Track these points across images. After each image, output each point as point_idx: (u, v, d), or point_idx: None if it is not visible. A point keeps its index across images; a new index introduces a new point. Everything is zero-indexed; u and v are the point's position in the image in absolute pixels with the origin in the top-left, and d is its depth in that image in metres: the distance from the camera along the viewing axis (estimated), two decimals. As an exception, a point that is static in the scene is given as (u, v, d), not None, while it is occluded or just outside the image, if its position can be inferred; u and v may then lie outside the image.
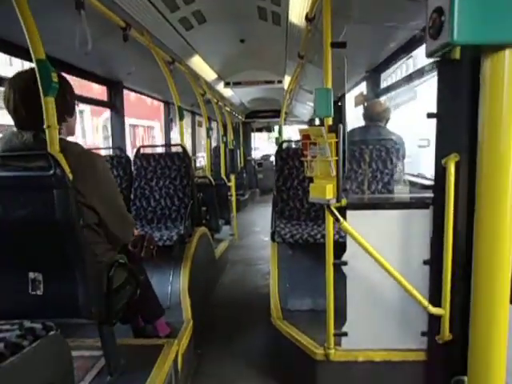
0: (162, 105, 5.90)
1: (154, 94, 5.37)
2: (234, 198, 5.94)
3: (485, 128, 0.84)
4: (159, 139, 13.40)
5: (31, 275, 1.40)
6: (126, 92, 4.16)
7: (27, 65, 1.98)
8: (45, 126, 1.35)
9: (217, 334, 2.84)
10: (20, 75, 1.46)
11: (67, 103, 1.52)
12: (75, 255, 1.40)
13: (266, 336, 2.65)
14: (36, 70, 1.34)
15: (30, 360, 0.96)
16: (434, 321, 1.67)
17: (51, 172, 1.32)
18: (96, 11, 2.09)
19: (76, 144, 1.50)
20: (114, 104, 3.99)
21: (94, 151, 1.59)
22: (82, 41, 1.90)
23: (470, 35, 0.74)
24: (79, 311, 1.43)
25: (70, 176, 1.34)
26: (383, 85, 3.72)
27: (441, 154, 1.57)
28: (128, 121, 4.30)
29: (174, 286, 2.64)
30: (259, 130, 12.49)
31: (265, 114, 10.54)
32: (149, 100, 4.83)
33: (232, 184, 5.85)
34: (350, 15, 2.39)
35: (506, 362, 0.93)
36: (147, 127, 14.33)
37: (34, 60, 1.34)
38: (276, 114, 9.46)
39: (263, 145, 15.91)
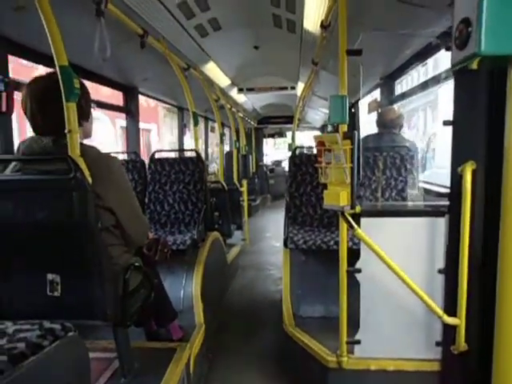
0: (159, 106, 5.81)
1: (168, 99, 5.44)
2: (245, 204, 5.95)
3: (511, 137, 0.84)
4: (156, 144, 12.59)
5: (49, 276, 1.42)
6: (117, 92, 4.00)
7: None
8: (66, 131, 1.38)
9: (228, 339, 2.84)
10: (36, 82, 1.47)
11: (82, 108, 1.52)
12: (93, 257, 1.42)
13: (278, 342, 2.64)
14: (59, 75, 1.37)
15: (49, 360, 0.97)
16: (449, 331, 1.64)
17: (71, 175, 1.35)
18: (115, 19, 2.14)
19: (92, 147, 1.53)
20: (130, 109, 4.05)
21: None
22: (100, 47, 1.93)
23: (497, 46, 0.74)
24: (95, 313, 1.45)
25: (90, 179, 1.36)
26: (397, 91, 3.71)
27: (457, 161, 1.56)
28: (120, 123, 4.13)
29: (186, 289, 2.65)
30: (271, 135, 12.50)
31: (277, 120, 10.54)
32: (143, 98, 4.50)
33: (244, 189, 5.85)
34: (366, 23, 2.39)
35: None
36: (143, 130, 13.72)
37: (57, 66, 1.38)
38: (288, 119, 9.47)
39: (270, 151, 16.05)
